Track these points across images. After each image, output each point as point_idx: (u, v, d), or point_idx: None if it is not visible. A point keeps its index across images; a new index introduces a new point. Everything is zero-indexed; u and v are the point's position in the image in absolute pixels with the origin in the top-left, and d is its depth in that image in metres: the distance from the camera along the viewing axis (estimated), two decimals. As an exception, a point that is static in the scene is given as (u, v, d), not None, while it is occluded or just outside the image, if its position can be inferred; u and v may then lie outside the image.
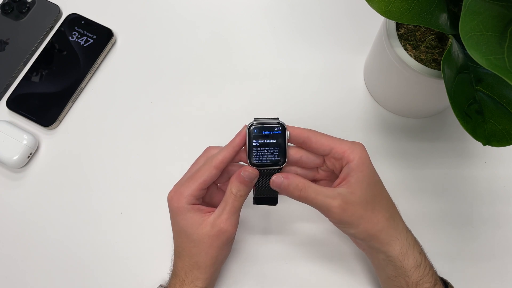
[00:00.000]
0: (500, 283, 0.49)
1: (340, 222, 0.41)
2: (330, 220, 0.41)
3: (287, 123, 0.42)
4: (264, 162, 0.42)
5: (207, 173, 0.43)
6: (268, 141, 0.41)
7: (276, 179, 0.41)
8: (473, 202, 0.52)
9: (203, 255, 0.43)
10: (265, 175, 0.42)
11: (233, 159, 0.44)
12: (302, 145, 0.42)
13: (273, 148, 0.41)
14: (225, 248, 0.44)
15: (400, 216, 0.43)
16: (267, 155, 0.42)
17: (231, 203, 0.42)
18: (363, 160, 0.40)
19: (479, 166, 0.53)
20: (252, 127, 0.42)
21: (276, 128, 0.41)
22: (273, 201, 0.43)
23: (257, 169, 0.42)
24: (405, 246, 0.41)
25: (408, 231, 0.42)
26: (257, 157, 0.42)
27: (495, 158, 0.53)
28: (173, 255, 0.46)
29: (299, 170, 0.44)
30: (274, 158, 0.41)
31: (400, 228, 0.41)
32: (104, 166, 0.55)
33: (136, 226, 0.52)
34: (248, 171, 0.43)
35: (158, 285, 0.47)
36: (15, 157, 0.53)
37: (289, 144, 0.42)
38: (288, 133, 0.41)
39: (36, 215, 0.53)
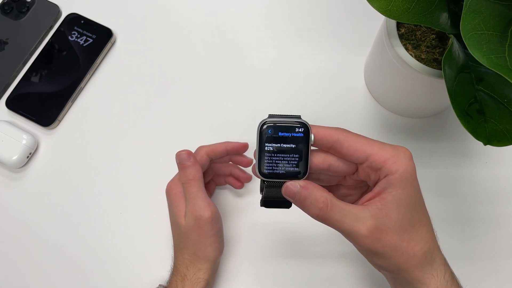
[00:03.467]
0: (500, 283, 0.49)
1: (368, 251, 0.33)
2: (354, 246, 0.34)
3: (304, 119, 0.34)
4: (279, 173, 0.33)
5: (198, 158, 0.46)
6: (286, 145, 0.33)
7: (291, 187, 0.32)
8: (473, 202, 0.52)
9: (197, 245, 0.43)
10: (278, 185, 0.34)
11: (223, 154, 0.46)
12: (330, 150, 0.34)
13: (291, 156, 0.33)
14: (215, 234, 0.44)
15: (439, 248, 0.35)
16: (283, 163, 0.33)
17: (187, 191, 0.44)
18: (408, 173, 0.32)
19: (480, 166, 0.53)
20: (265, 126, 0.33)
21: (297, 130, 0.33)
22: (284, 203, 0.34)
23: (270, 181, 0.33)
24: (441, 286, 0.34)
25: (446, 265, 0.35)
26: (269, 166, 0.33)
27: (496, 158, 0.53)
28: (173, 252, 0.46)
29: (322, 175, 0.36)
30: (292, 169, 0.33)
31: (437, 263, 0.34)
32: (104, 166, 0.55)
33: (136, 226, 0.52)
34: (177, 154, 0.45)
35: (158, 285, 0.47)
36: (15, 157, 0.53)
37: (312, 147, 0.34)
38: (312, 136, 0.33)
39: (36, 215, 0.53)
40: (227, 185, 0.52)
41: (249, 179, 0.51)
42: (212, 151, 0.47)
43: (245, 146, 0.49)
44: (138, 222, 0.53)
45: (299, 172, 0.33)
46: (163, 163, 0.54)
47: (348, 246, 0.35)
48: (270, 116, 0.33)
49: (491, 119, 0.37)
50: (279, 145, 0.33)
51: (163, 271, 0.48)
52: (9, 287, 0.51)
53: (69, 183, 0.54)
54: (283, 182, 0.33)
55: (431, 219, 0.34)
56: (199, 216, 0.43)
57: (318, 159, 0.34)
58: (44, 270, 0.51)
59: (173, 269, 0.45)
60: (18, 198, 0.54)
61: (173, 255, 0.46)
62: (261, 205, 0.35)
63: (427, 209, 0.35)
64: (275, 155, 0.33)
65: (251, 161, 0.50)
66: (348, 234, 0.32)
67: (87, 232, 0.52)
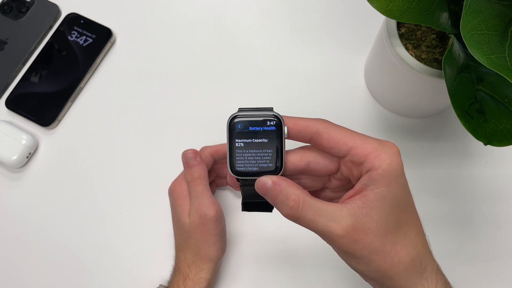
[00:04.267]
0: (501, 284, 0.49)
1: (345, 253, 0.30)
2: (332, 248, 0.31)
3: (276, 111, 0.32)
4: (252, 171, 0.31)
5: (203, 158, 0.46)
6: (257, 140, 0.30)
7: (263, 182, 0.30)
8: (473, 202, 0.52)
9: (201, 244, 0.43)
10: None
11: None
12: (310, 142, 0.31)
13: (264, 151, 0.30)
14: (219, 233, 0.45)
15: (431, 254, 0.32)
16: (255, 160, 0.31)
17: (192, 189, 0.44)
18: (393, 168, 0.29)
19: (480, 166, 0.53)
20: (234, 121, 0.31)
21: (268, 123, 0.30)
22: (265, 205, 0.32)
23: (242, 179, 0.31)
24: None
25: (438, 274, 0.32)
26: (241, 164, 0.31)
27: (496, 158, 0.53)
28: (175, 251, 0.46)
29: (304, 177, 0.33)
30: (266, 165, 0.30)
31: (428, 272, 0.31)
32: (103, 166, 0.55)
33: (135, 226, 0.52)
34: (184, 154, 0.45)
35: (158, 285, 0.47)
36: (14, 157, 0.53)
37: (291, 142, 0.32)
38: (286, 129, 0.30)
39: (35, 215, 0.53)
40: (228, 186, 0.52)
41: None
42: (216, 152, 0.48)
43: None
44: (138, 222, 0.52)
45: (273, 168, 0.30)
46: (163, 163, 0.54)
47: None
48: (240, 109, 0.31)
49: (492, 119, 0.37)
50: (250, 140, 0.30)
51: (164, 271, 0.48)
52: (9, 287, 0.51)
53: (68, 183, 0.54)
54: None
55: (430, 219, 0.31)
56: (204, 214, 0.43)
57: (295, 157, 0.31)
58: (44, 270, 0.51)
59: (175, 268, 0.45)
60: (17, 198, 0.54)
61: (174, 255, 0.46)
62: (242, 209, 0.33)
63: (427, 209, 0.32)
64: (247, 151, 0.31)
65: None
66: (323, 235, 0.29)
67: (87, 232, 0.52)
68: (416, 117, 0.55)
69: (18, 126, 0.56)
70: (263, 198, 0.31)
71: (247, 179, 0.31)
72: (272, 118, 0.30)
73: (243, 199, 0.32)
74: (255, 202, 0.32)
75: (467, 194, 0.52)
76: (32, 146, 0.54)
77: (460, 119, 0.36)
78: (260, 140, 0.31)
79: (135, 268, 0.51)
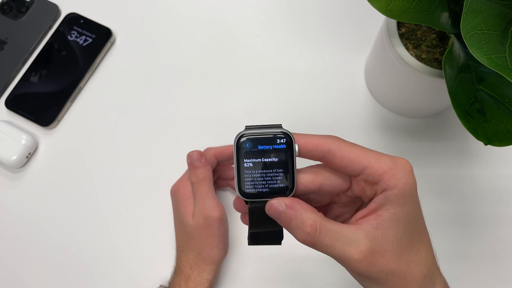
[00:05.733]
0: (501, 284, 0.49)
1: (361, 276, 0.29)
2: (347, 270, 0.30)
3: (290, 127, 0.30)
4: (262, 192, 0.29)
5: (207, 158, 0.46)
6: (268, 160, 0.29)
7: (276, 205, 0.29)
8: (474, 202, 0.52)
9: (204, 245, 0.44)
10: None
11: (230, 157, 0.46)
12: (322, 160, 0.30)
13: (274, 171, 0.29)
14: (222, 235, 0.45)
15: (439, 269, 0.32)
16: (265, 180, 0.29)
17: (197, 190, 0.44)
18: (408, 188, 0.28)
19: (481, 166, 0.53)
20: (242, 139, 0.29)
21: (278, 141, 0.29)
22: (275, 236, 0.30)
23: (253, 201, 0.30)
24: None
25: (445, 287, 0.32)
26: (251, 185, 0.29)
27: (497, 158, 0.53)
28: (176, 252, 0.46)
29: (312, 194, 0.33)
30: (277, 186, 0.29)
31: (437, 286, 0.31)
32: (103, 166, 0.55)
33: (135, 227, 0.52)
34: (189, 155, 0.45)
35: (159, 285, 0.47)
36: (14, 157, 0.53)
37: (302, 163, 0.31)
38: (297, 147, 0.29)
39: (35, 215, 0.53)
40: (229, 187, 0.52)
41: None
42: (220, 154, 0.47)
43: None
44: (138, 222, 0.52)
45: (285, 188, 0.29)
46: (163, 163, 0.54)
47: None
48: (247, 127, 0.30)
49: (492, 119, 0.37)
50: (259, 160, 0.29)
51: (164, 271, 0.48)
52: (9, 287, 0.51)
53: (68, 183, 0.54)
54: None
55: (431, 219, 0.31)
56: (208, 216, 0.43)
57: (307, 179, 0.30)
58: (43, 270, 0.51)
59: (176, 269, 0.45)
60: (17, 198, 0.54)
61: (176, 255, 0.46)
62: (249, 243, 0.30)
63: (428, 209, 0.32)
64: (256, 171, 0.29)
65: None
66: (340, 260, 0.29)
67: (87, 232, 0.52)
68: (416, 117, 0.55)
69: (18, 126, 0.56)
70: (272, 227, 0.30)
71: (256, 201, 0.29)
72: (282, 136, 0.29)
73: (250, 229, 0.30)
74: (264, 233, 0.30)
75: (467, 194, 0.52)
76: (32, 146, 0.54)
77: (460, 119, 0.35)
78: (270, 160, 0.29)
79: (135, 268, 0.51)
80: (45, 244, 0.52)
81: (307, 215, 0.28)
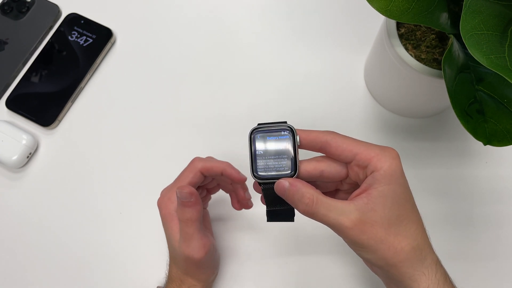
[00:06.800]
0: (502, 284, 0.49)
1: (355, 243, 0.34)
2: (343, 240, 0.35)
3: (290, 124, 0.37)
4: (271, 174, 0.36)
5: (191, 175, 0.42)
6: (274, 148, 0.36)
7: (281, 184, 0.35)
8: (474, 202, 0.52)
9: (190, 270, 0.43)
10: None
11: (218, 176, 0.43)
12: (320, 151, 0.36)
13: (279, 157, 0.36)
14: (208, 266, 0.43)
15: (431, 247, 0.35)
16: (273, 165, 0.36)
17: (183, 229, 0.41)
18: (393, 170, 0.33)
19: (480, 166, 0.53)
20: (254, 133, 0.36)
21: (283, 133, 0.36)
22: (287, 214, 0.37)
23: (263, 182, 0.36)
24: (433, 284, 0.33)
25: (438, 265, 0.35)
26: (262, 168, 0.36)
27: (496, 158, 0.53)
28: (168, 260, 0.45)
29: (318, 182, 0.38)
30: (282, 169, 0.36)
31: (428, 261, 0.34)
32: (103, 166, 0.55)
33: (135, 227, 0.52)
34: (179, 190, 0.40)
35: (156, 287, 0.47)
36: (14, 157, 0.53)
37: (305, 153, 0.36)
38: (298, 137, 0.36)
39: (35, 215, 0.53)
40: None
41: (248, 207, 0.47)
42: (208, 170, 0.43)
43: (242, 180, 0.43)
44: (138, 222, 0.52)
45: (289, 171, 0.35)
46: (163, 163, 0.54)
47: (346, 246, 0.35)
48: (259, 124, 0.37)
49: (491, 119, 0.37)
50: (268, 148, 0.36)
51: (163, 271, 0.48)
52: (9, 287, 0.51)
53: (69, 183, 0.54)
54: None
55: (431, 219, 0.34)
56: (191, 256, 0.41)
57: (310, 167, 0.36)
58: (44, 270, 0.51)
59: (168, 277, 0.44)
60: (18, 198, 0.54)
61: (168, 262, 0.46)
62: (268, 220, 0.37)
63: (427, 209, 0.36)
64: (266, 157, 0.36)
65: (243, 191, 0.46)
66: (334, 227, 0.33)
67: (87, 232, 0.52)
68: (416, 117, 0.55)
69: (18, 126, 0.56)
70: (285, 206, 0.36)
71: (267, 182, 0.36)
72: (286, 128, 0.36)
73: (267, 207, 0.37)
74: (278, 210, 0.37)
75: (467, 194, 0.52)
76: (32, 146, 0.55)
77: (459, 119, 0.36)
78: (276, 148, 0.36)
79: (135, 268, 0.51)
80: (45, 244, 0.52)
81: (306, 190, 0.34)
